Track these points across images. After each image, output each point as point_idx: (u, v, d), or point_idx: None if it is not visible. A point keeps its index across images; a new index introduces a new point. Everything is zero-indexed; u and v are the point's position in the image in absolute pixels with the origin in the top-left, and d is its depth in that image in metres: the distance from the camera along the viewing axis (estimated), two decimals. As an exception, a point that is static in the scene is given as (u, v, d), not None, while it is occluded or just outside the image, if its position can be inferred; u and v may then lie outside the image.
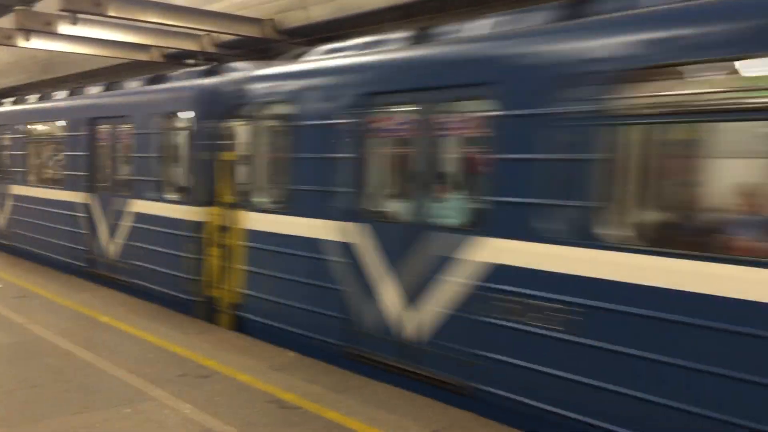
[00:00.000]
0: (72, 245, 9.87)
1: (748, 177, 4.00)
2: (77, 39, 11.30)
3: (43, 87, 17.77)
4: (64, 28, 9.57)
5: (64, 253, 10.10)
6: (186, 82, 8.22)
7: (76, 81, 16.39)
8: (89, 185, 9.55)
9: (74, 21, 9.17)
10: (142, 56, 12.25)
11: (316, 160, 6.01)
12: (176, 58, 12.09)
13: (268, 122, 6.77)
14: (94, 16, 9.16)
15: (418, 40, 5.75)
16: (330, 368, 5.80)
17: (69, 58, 15.45)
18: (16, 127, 11.76)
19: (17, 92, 19.38)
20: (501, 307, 4.56)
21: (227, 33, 10.31)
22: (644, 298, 3.86)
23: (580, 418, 4.18)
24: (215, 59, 11.58)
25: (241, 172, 7.11)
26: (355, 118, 5.65)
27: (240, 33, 10.22)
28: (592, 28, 4.35)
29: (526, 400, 4.47)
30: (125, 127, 8.84)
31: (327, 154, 5.89)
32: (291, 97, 6.32)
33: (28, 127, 11.53)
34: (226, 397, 5.03)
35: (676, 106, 3.96)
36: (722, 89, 3.84)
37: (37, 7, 11.96)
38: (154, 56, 12.20)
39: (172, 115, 7.99)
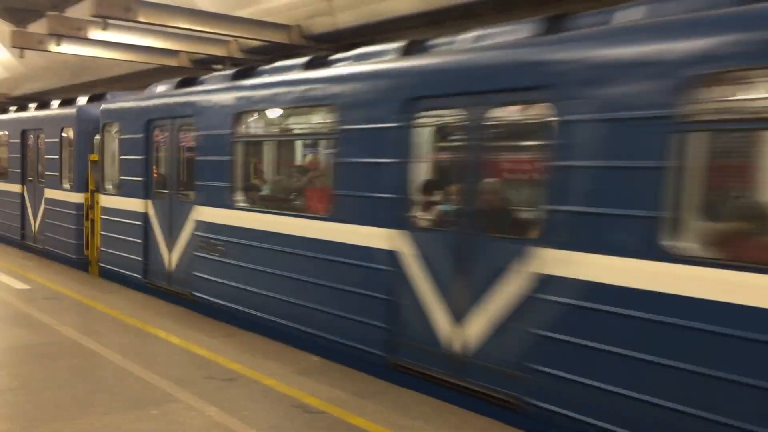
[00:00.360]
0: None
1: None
2: (107, 44, 11.45)
3: (73, 91, 18.03)
4: (94, 33, 9.71)
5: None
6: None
7: (105, 85, 16.61)
8: None
9: (105, 26, 9.31)
10: (170, 61, 12.37)
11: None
12: (204, 64, 12.19)
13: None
14: (124, 21, 9.28)
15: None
16: (354, 373, 5.81)
17: (98, 63, 15.65)
18: None
19: (48, 96, 19.70)
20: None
21: (255, 39, 10.39)
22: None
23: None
24: (242, 64, 11.68)
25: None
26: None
27: (267, 39, 10.29)
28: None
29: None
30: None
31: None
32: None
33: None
34: (251, 401, 5.06)
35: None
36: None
37: (69, 13, 12.12)
38: (182, 61, 12.31)
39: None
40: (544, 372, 4.46)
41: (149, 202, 8.91)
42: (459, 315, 5.04)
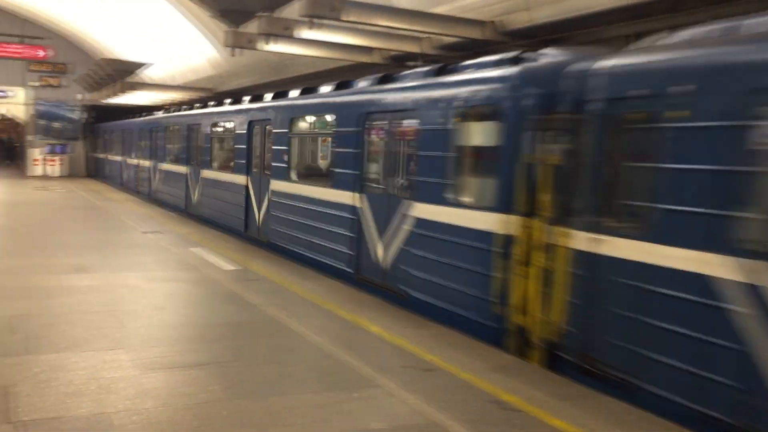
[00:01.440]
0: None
1: None
2: (309, 42, 12.09)
3: (273, 87, 19.25)
4: (300, 32, 10.29)
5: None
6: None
7: (302, 82, 17.55)
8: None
9: (311, 26, 9.84)
10: (365, 58, 12.83)
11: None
12: (397, 61, 12.51)
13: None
14: (328, 20, 9.75)
15: None
16: (549, 374, 5.71)
17: (298, 61, 16.59)
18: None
19: (250, 92, 21.18)
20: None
21: (449, 35, 10.49)
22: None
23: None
24: (434, 61, 11.84)
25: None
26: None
27: (462, 35, 10.34)
28: None
29: None
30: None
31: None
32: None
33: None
34: (449, 393, 5.12)
35: None
36: None
37: (277, 14, 12.91)
38: (376, 58, 12.72)
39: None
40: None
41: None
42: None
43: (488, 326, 6.67)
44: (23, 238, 12.29)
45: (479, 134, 7.20)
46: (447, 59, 11.32)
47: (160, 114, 22.33)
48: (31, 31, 25.92)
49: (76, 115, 31.00)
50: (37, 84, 31.07)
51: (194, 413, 4.53)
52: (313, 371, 5.51)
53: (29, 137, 31.06)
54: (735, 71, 4.53)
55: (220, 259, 10.69)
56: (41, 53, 17.06)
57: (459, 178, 7.33)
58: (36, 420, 4.27)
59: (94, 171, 32.43)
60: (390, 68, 13.20)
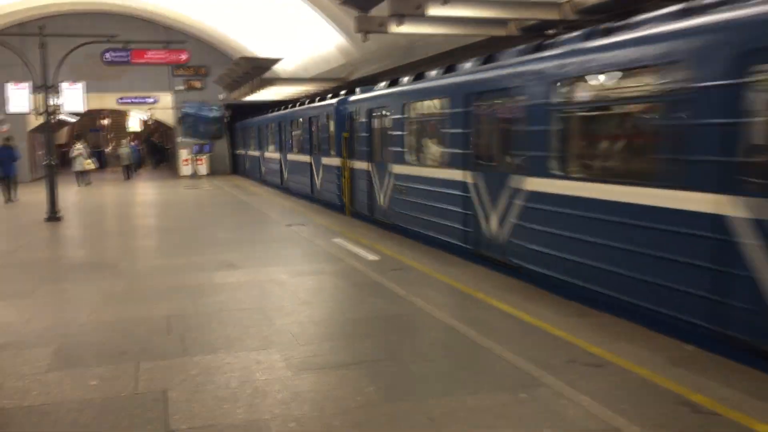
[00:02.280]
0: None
1: None
2: (441, 20, 11.64)
3: (403, 71, 18.99)
4: (432, 9, 9.87)
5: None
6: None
7: (433, 63, 17.14)
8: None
9: (444, 2, 9.39)
10: (499, 32, 12.20)
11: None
12: (533, 31, 11.80)
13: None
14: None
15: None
16: (739, 367, 4.99)
17: (427, 41, 16.20)
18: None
19: (381, 78, 21.07)
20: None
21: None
22: None
23: None
24: (574, 27, 11.03)
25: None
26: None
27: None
28: None
29: None
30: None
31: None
32: None
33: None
34: (626, 392, 4.57)
35: None
36: None
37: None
38: (511, 30, 12.05)
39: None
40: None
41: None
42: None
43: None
44: (176, 236, 12.78)
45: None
46: (589, 24, 10.51)
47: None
48: (171, 37, 27.18)
49: (218, 114, 32.33)
50: (182, 88, 32.72)
51: (351, 418, 4.28)
52: (472, 369, 5.12)
53: (178, 139, 32.78)
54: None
55: (361, 249, 10.55)
56: (183, 57, 17.70)
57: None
58: (193, 428, 4.18)
59: (236, 167, 33.86)
60: (526, 41, 12.51)
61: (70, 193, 23.19)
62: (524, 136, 7.94)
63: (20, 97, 17.74)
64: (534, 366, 5.09)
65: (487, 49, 13.76)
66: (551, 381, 4.79)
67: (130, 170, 32.25)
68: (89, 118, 46.58)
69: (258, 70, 22.85)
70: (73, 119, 40.22)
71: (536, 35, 12.01)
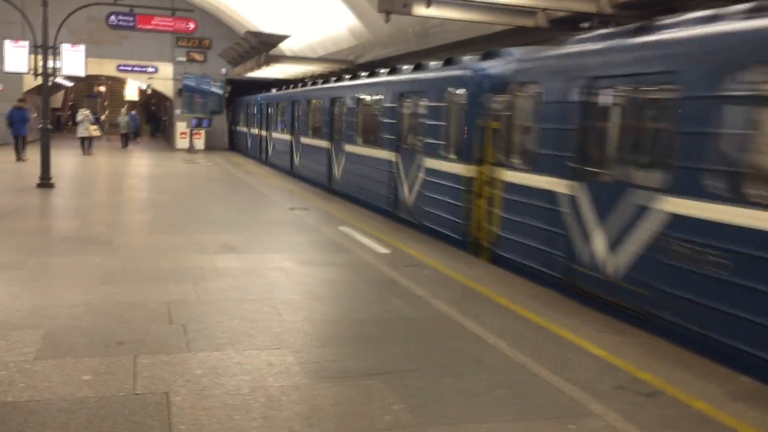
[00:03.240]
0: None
1: None
2: (468, 6, 11.10)
3: (416, 57, 18.39)
4: (463, -8, 9.32)
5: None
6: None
7: (449, 51, 16.56)
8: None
9: (477, -17, 8.84)
10: (527, 22, 11.64)
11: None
12: (563, 23, 11.24)
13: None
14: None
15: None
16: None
17: (445, 28, 15.61)
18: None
19: (392, 62, 20.46)
20: None
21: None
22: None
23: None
24: (609, 22, 10.49)
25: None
26: None
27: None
28: None
29: None
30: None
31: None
32: None
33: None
34: (687, 429, 4.07)
35: None
36: None
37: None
38: (540, 21, 11.49)
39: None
40: None
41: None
42: None
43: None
44: (174, 212, 12.20)
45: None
46: (627, 20, 9.98)
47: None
48: (177, 5, 26.41)
49: (219, 89, 31.63)
50: (183, 59, 31.97)
51: (380, 442, 3.77)
52: (509, 389, 4.60)
53: (176, 111, 32.06)
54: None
55: (371, 240, 10.01)
56: (191, 26, 17.05)
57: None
58: (202, 443, 3.66)
59: (233, 144, 33.18)
60: (553, 33, 11.96)
61: (69, 160, 22.51)
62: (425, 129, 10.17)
63: (18, 56, 17.04)
64: (579, 391, 4.58)
65: (511, 39, 13.21)
66: (600, 410, 4.28)
67: (127, 138, 31.68)
68: (86, 84, 45.67)
69: (265, 46, 22.22)
70: (69, 83, 39.38)
71: (566, 28, 11.47)
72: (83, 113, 26.54)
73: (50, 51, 15.63)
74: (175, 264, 7.98)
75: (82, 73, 18.42)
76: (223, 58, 28.26)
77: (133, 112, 37.03)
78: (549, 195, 7.57)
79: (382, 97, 13.29)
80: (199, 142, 30.86)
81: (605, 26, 10.59)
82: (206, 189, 16.55)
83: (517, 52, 9.61)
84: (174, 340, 5.26)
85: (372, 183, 13.50)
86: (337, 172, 16.13)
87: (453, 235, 9.90)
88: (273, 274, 7.71)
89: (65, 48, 17.18)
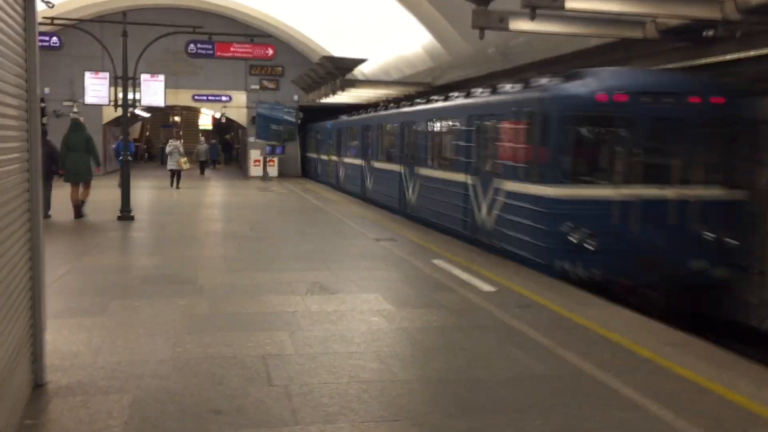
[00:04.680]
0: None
1: None
2: (562, 18, 10.22)
3: (497, 78, 17.55)
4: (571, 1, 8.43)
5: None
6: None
7: (533, 70, 15.66)
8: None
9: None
10: (633, 33, 10.65)
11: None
12: (679, 33, 10.22)
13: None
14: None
15: None
16: None
17: (534, 46, 14.71)
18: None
19: (472, 84, 19.68)
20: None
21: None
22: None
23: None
24: (736, 30, 9.42)
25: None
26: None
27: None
28: None
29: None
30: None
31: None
32: None
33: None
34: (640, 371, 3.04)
35: None
36: None
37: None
38: (650, 32, 10.49)
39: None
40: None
41: None
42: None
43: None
44: (255, 245, 11.63)
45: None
46: (755, 26, 8.93)
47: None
48: (252, 33, 26.34)
49: (292, 116, 31.49)
50: (257, 87, 31.99)
51: None
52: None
53: (250, 139, 32.05)
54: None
55: (470, 275, 9.15)
56: (270, 51, 16.74)
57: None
58: None
59: (306, 171, 32.97)
60: (662, 45, 10.94)
61: (148, 191, 22.51)
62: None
63: (99, 88, 16.99)
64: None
65: (617, 53, 12.24)
66: None
67: (205, 166, 33.07)
68: (162, 114, 46.57)
69: (340, 70, 21.78)
70: (146, 114, 40.13)
71: (681, 39, 10.43)
72: (173, 144, 24.83)
73: (130, 82, 15.48)
74: (266, 307, 7.30)
75: (161, 103, 18.32)
76: (296, 84, 28.05)
77: (214, 141, 38.71)
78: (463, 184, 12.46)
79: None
80: (273, 170, 30.69)
81: (731, 35, 9.55)
82: (285, 219, 16.03)
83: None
84: (277, 409, 4.51)
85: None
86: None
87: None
88: (373, 318, 6.93)
89: (144, 78, 17.06)
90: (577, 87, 9.54)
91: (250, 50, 16.44)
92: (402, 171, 16.82)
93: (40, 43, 15.90)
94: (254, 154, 31.18)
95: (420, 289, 8.44)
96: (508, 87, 11.90)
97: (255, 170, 30.95)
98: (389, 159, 18.20)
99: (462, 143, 12.74)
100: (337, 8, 22.73)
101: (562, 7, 8.49)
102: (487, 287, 8.47)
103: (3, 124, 4.08)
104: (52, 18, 16.69)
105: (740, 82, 9.79)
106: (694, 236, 9.30)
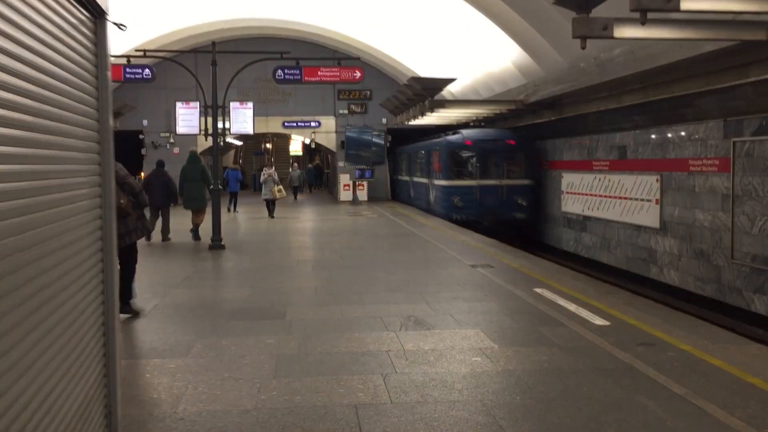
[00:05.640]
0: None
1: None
2: (673, 23, 9.30)
3: (595, 91, 16.57)
4: (689, 1, 7.57)
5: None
6: None
7: (639, 80, 14.63)
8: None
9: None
10: (754, 35, 9.58)
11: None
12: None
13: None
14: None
15: None
16: None
17: (638, 54, 13.72)
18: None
19: (566, 98, 18.73)
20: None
21: None
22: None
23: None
24: None
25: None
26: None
27: None
28: None
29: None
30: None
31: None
32: None
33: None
34: None
35: None
36: None
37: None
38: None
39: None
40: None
41: None
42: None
43: None
44: (346, 275, 11.16)
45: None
46: None
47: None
48: (340, 57, 26.32)
49: (380, 139, 31.27)
50: (345, 112, 31.99)
51: None
52: None
53: (339, 163, 32.01)
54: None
55: (579, 307, 8.33)
56: (357, 74, 16.43)
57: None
58: None
59: (396, 194, 32.67)
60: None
61: (247, 221, 22.66)
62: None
63: (190, 118, 17.14)
64: None
65: (734, 58, 11.16)
66: None
67: (297, 191, 33.97)
68: (254, 141, 47.49)
69: (429, 91, 21.25)
70: (238, 142, 40.93)
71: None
72: (267, 172, 23.29)
73: (219, 111, 15.49)
74: (357, 345, 6.75)
75: (250, 131, 18.35)
76: (384, 107, 27.75)
77: (310, 166, 41.89)
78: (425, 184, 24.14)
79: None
80: (362, 194, 30.48)
81: None
82: (376, 246, 15.55)
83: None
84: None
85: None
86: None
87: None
88: (475, 359, 6.25)
89: (234, 106, 17.09)
90: (456, 137, 22.50)
91: (338, 73, 16.16)
92: (414, 181, 28.08)
93: (132, 75, 16.16)
94: (344, 179, 31.09)
95: (524, 323, 7.69)
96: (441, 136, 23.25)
97: (345, 195, 30.83)
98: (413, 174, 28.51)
99: (424, 162, 24.49)
100: (423, 27, 22.32)
101: (677, 9, 7.64)
102: (599, 320, 7.63)
103: (71, 157, 3.72)
104: (145, 51, 16.99)
105: (521, 134, 22.11)
106: (510, 200, 21.06)
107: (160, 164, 16.09)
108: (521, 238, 20.63)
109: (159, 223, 15.79)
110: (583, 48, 9.41)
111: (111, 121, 4.45)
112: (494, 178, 21.13)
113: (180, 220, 17.30)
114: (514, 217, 20.98)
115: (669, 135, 14.76)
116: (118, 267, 8.05)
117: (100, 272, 4.35)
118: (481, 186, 20.99)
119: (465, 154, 21.81)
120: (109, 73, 4.52)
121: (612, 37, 9.31)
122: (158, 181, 15.49)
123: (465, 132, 22.51)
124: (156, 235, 15.53)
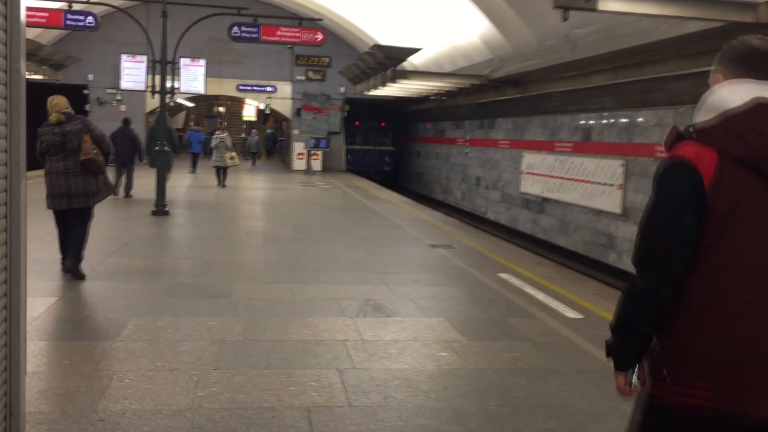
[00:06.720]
0: None
1: None
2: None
3: (566, 70, 16.05)
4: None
5: None
6: None
7: (610, 61, 14.13)
8: None
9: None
10: (741, 17, 9.14)
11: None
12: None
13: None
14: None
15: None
16: None
17: (620, 32, 13.20)
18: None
19: (534, 75, 18.15)
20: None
21: None
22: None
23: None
24: None
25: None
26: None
27: None
28: None
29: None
30: None
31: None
32: None
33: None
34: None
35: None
36: None
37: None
38: (762, 16, 8.99)
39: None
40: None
41: None
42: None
43: None
44: (298, 249, 10.43)
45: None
46: None
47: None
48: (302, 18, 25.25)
49: (337, 109, 30.35)
50: (302, 78, 30.93)
51: None
52: None
53: (294, 131, 31.04)
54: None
55: (547, 295, 7.81)
56: (319, 36, 15.53)
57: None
58: None
59: (351, 164, 32.05)
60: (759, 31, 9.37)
61: (186, 182, 21.58)
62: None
63: (136, 73, 16.03)
64: None
65: (720, 39, 10.69)
66: None
67: (255, 157, 34.21)
68: (206, 105, 45.94)
69: (392, 60, 20.47)
70: (189, 104, 39.45)
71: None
72: (219, 137, 21.21)
73: (169, 67, 14.44)
74: (311, 333, 6.07)
75: (201, 90, 17.36)
76: (344, 75, 26.83)
77: (269, 131, 42.82)
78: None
79: None
80: (317, 163, 29.64)
81: None
82: (329, 218, 14.83)
83: None
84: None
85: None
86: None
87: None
88: (441, 354, 5.64)
89: (184, 62, 16.04)
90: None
91: (298, 34, 15.22)
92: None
93: (74, 23, 14.88)
94: (298, 147, 30.16)
95: (492, 312, 7.11)
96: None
97: (298, 164, 29.95)
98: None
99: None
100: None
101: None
102: (570, 313, 7.11)
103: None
104: (89, -2, 15.74)
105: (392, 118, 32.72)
106: (380, 159, 33.32)
107: (126, 122, 16.24)
108: (387, 183, 28.75)
109: (123, 179, 16.07)
110: (565, 19, 8.82)
111: (23, 67, 3.60)
112: (372, 145, 33.09)
113: (143, 181, 16.75)
114: (383, 170, 32.92)
115: (638, 119, 14.35)
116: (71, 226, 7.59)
117: (4, 244, 3.55)
118: (364, 149, 32.89)
119: (356, 130, 33.08)
120: (21, 11, 3.65)
121: (595, 10, 8.75)
122: (125, 139, 15.52)
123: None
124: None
